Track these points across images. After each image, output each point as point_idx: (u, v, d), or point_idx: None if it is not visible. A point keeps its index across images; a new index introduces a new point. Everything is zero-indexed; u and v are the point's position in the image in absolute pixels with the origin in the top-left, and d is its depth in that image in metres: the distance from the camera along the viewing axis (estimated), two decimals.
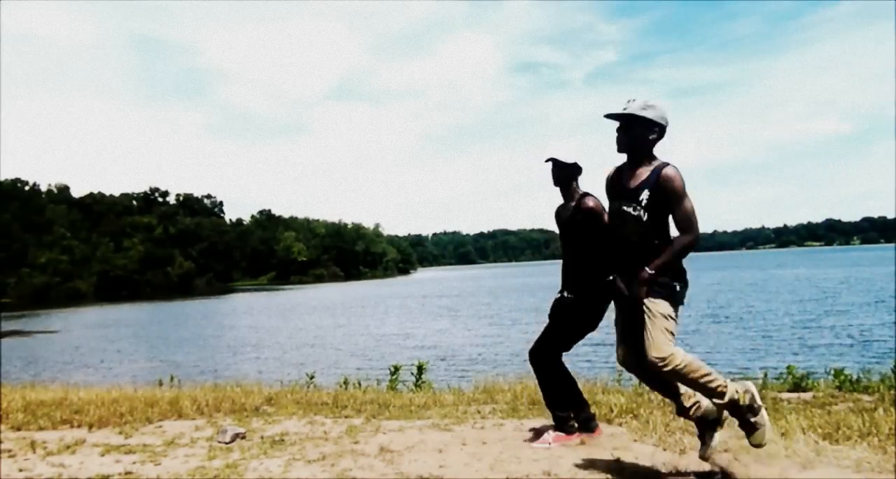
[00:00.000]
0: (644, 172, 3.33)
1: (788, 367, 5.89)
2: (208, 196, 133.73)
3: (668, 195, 3.24)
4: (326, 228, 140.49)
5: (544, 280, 73.88)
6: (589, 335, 4.49)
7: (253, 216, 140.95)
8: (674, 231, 3.33)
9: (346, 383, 7.24)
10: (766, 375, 6.06)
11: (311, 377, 7.48)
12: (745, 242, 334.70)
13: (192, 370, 18.06)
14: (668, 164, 3.30)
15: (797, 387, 5.60)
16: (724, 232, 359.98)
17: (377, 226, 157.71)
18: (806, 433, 3.98)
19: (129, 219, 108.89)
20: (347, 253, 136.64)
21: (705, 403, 3.40)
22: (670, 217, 3.32)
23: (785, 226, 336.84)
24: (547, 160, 4.21)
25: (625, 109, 3.33)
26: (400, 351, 19.39)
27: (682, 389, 3.43)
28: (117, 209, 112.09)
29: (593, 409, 4.98)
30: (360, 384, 7.19)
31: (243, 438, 4.61)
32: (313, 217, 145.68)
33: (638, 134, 3.33)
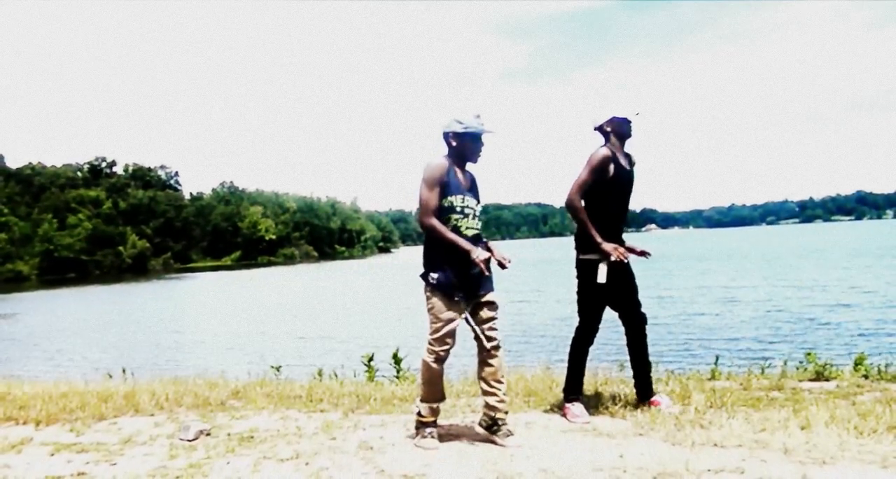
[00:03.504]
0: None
1: (808, 354, 5.97)
2: (162, 167, 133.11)
3: None
4: (297, 202, 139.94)
5: (539, 256, 74.05)
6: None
7: (214, 190, 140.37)
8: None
9: (320, 374, 7.29)
10: (785, 362, 6.14)
11: (278, 369, 7.50)
12: (766, 216, 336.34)
13: (147, 362, 18.08)
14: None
15: (819, 376, 5.69)
16: (743, 205, 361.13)
17: (354, 200, 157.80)
18: (828, 425, 4.07)
19: (74, 192, 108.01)
20: (321, 230, 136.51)
21: None
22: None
23: (810, 199, 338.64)
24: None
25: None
26: (380, 339, 19.42)
27: None
28: (60, 182, 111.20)
29: (595, 401, 5.06)
30: (336, 376, 7.25)
31: (208, 435, 4.66)
32: (282, 191, 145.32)
33: None
